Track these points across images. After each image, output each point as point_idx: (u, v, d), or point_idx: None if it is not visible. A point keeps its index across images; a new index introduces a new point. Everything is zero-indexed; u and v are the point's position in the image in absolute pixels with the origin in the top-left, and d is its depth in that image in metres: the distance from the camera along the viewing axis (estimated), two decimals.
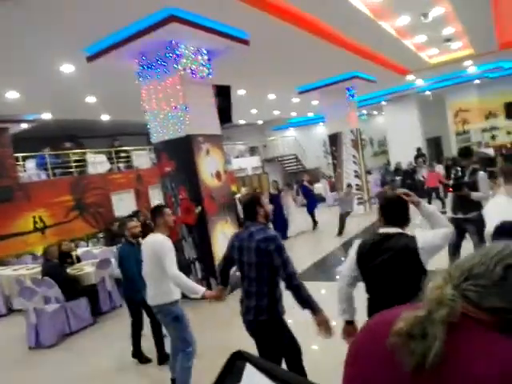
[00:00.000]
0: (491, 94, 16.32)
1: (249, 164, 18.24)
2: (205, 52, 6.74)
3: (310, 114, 19.46)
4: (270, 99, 13.31)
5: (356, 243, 2.41)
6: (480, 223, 3.62)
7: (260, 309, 2.71)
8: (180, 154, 6.42)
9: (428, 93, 16.65)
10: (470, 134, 17.31)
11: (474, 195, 4.73)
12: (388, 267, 2.18)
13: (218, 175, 6.70)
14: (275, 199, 10.43)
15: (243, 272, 2.83)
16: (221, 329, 5.04)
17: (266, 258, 2.65)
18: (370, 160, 16.89)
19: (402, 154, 16.17)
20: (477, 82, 15.92)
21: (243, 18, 6.19)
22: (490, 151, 14.76)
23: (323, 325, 2.58)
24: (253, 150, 20.75)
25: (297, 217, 11.18)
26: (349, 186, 10.78)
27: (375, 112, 19.90)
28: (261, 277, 2.70)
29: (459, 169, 5.18)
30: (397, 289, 2.07)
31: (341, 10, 6.68)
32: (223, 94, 7.83)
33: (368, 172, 13.95)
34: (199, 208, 6.31)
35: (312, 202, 11.61)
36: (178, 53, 6.22)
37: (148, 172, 12.83)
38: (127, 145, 14.28)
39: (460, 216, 4.85)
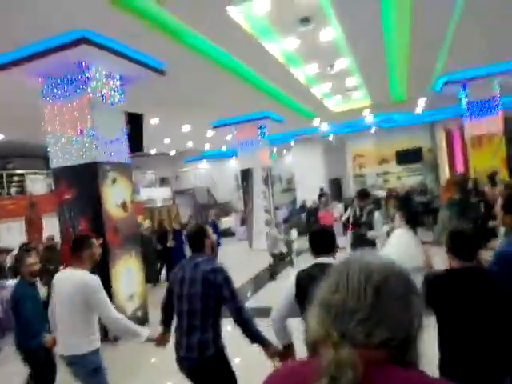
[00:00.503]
0: (385, 142, 18.33)
1: (159, 195, 17.69)
2: (117, 77, 6.52)
3: (224, 148, 19.80)
4: (184, 131, 13.27)
5: (292, 275, 2.46)
6: None
7: (205, 343, 2.52)
8: (83, 181, 5.97)
9: (331, 137, 18.14)
10: (365, 177, 19.16)
11: (370, 234, 5.19)
12: None
13: (124, 205, 6.34)
14: (177, 235, 9.87)
15: (183, 306, 2.63)
16: (125, 378, 4.58)
17: (213, 289, 2.56)
18: (278, 196, 17.61)
19: (308, 192, 17.15)
20: (373, 130, 17.80)
21: (160, 48, 6.18)
22: (383, 193, 16.46)
23: (275, 356, 2.50)
24: (164, 181, 20.25)
25: None
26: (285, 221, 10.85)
27: (284, 151, 21.01)
28: (206, 308, 2.56)
29: (358, 209, 5.66)
30: None
31: (255, 53, 7.04)
32: (135, 122, 7.60)
33: (276, 208, 14.46)
34: (100, 240, 5.84)
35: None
36: (87, 75, 5.93)
37: (44, 199, 11.60)
38: (22, 168, 12.92)
39: None
